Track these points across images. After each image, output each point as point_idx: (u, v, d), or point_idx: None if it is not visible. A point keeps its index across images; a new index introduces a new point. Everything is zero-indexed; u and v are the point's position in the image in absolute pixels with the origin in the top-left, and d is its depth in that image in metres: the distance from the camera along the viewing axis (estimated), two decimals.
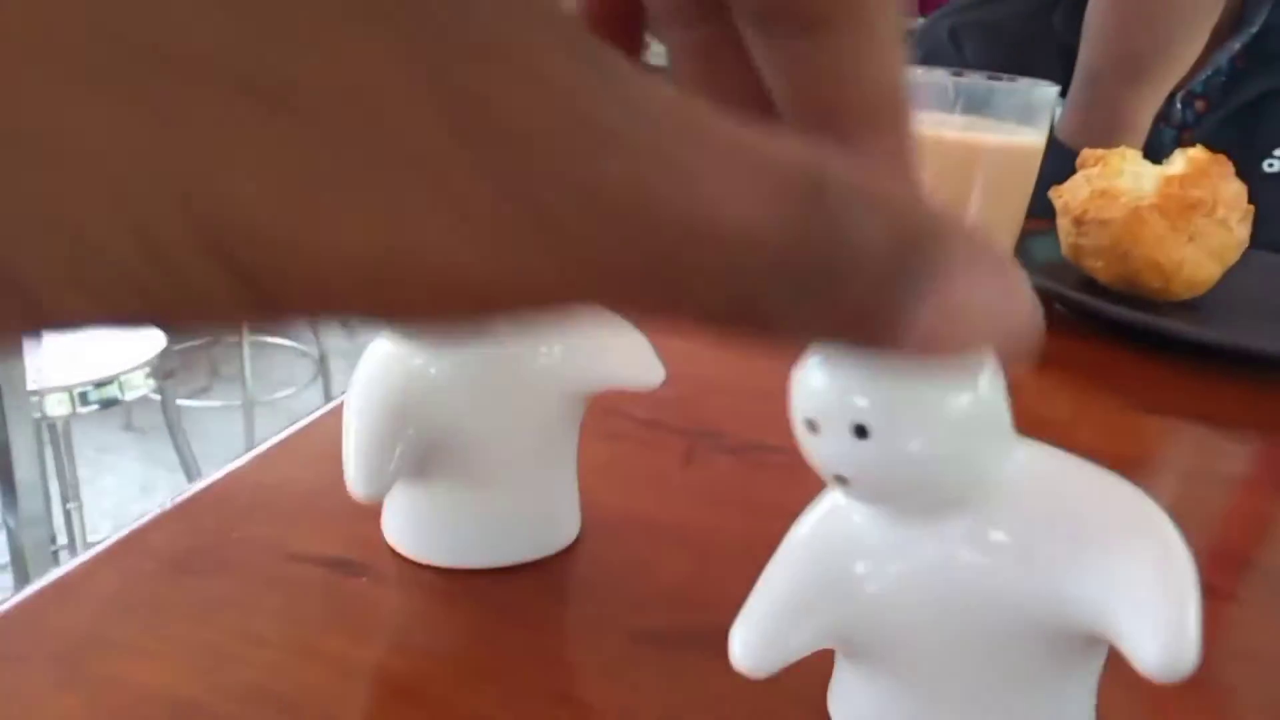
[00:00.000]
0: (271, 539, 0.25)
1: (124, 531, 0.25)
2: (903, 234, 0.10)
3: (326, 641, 0.22)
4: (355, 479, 0.23)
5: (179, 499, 0.27)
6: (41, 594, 0.23)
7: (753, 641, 0.18)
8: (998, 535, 0.17)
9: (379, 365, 0.24)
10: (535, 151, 0.08)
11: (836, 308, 0.10)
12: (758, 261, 0.09)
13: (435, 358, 0.23)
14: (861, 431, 0.15)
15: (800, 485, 0.31)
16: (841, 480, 0.16)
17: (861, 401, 0.15)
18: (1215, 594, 0.27)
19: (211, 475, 0.28)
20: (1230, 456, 0.39)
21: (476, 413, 0.24)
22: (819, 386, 0.16)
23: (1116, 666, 0.18)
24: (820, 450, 0.16)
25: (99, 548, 0.25)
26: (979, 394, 0.16)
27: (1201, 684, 0.23)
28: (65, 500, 1.28)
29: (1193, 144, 0.51)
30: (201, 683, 0.20)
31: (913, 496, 0.17)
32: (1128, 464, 0.36)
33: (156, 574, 0.24)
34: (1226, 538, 0.32)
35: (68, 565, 0.24)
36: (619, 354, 0.26)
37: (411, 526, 0.25)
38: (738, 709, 0.21)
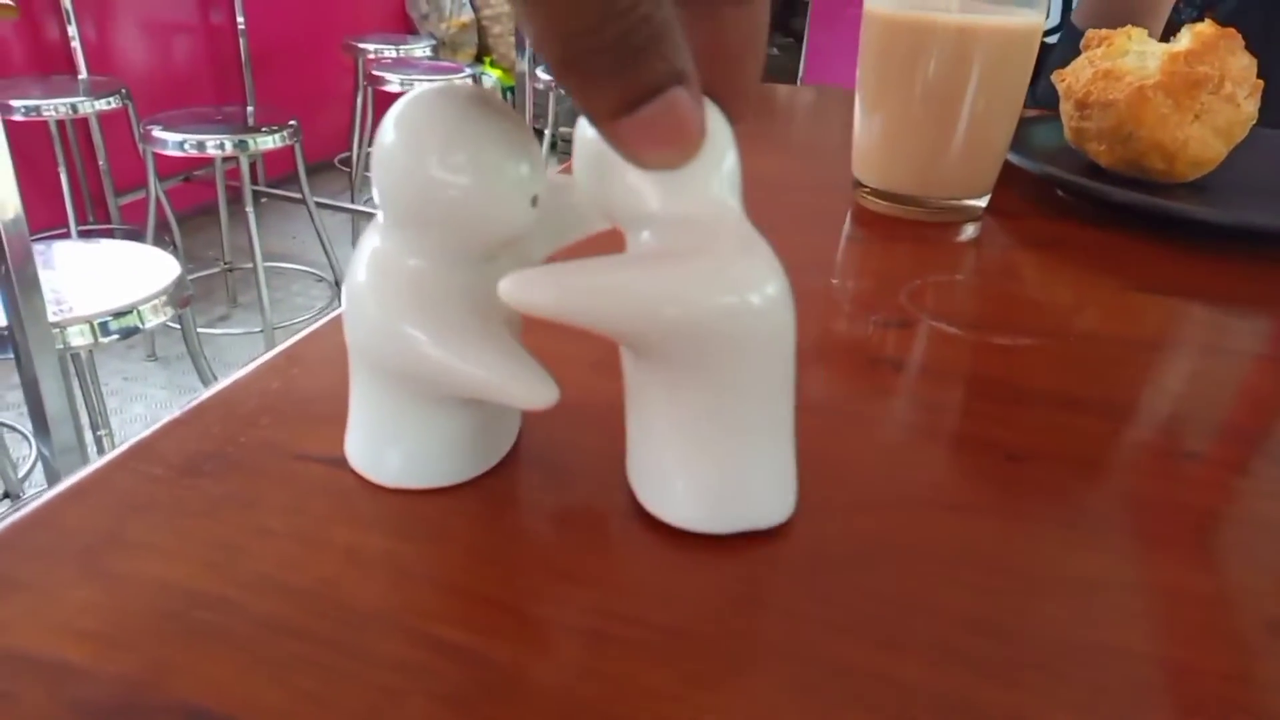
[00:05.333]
0: (277, 442, 0.26)
1: (133, 440, 0.26)
2: (672, 60, 0.17)
3: (334, 532, 0.23)
4: (534, 384, 0.21)
5: (186, 408, 0.28)
6: (60, 497, 0.24)
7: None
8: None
9: (416, 281, 0.22)
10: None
11: (620, 78, 0.17)
12: (560, 32, 0.16)
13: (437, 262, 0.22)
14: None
15: None
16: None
17: None
18: (1224, 466, 0.28)
19: (216, 385, 0.29)
20: (1238, 334, 0.39)
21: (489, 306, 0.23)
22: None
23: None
24: None
25: (110, 455, 0.25)
26: None
27: (1207, 549, 0.24)
28: (95, 429, 1.31)
29: None
30: (215, 575, 0.21)
31: None
32: (1135, 345, 0.36)
33: (167, 477, 0.24)
34: (1234, 414, 0.32)
35: (81, 472, 0.25)
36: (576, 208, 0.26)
37: (423, 453, 0.24)
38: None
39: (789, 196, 0.52)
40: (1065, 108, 0.52)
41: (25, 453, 1.59)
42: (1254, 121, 0.49)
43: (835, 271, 0.42)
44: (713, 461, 0.22)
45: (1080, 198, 0.51)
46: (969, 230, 0.48)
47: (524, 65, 2.38)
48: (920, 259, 0.43)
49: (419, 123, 0.20)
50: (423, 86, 0.20)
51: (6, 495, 1.34)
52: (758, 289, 0.20)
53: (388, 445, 0.24)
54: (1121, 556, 0.23)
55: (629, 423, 0.24)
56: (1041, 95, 0.61)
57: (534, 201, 0.21)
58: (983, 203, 0.49)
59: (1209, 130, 0.48)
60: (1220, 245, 0.46)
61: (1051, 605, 0.21)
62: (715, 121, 0.21)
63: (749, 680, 0.19)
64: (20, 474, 1.47)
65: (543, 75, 2.49)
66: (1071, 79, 0.51)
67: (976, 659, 0.20)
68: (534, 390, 0.21)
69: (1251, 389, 0.34)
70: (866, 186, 0.49)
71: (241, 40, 2.63)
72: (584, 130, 0.21)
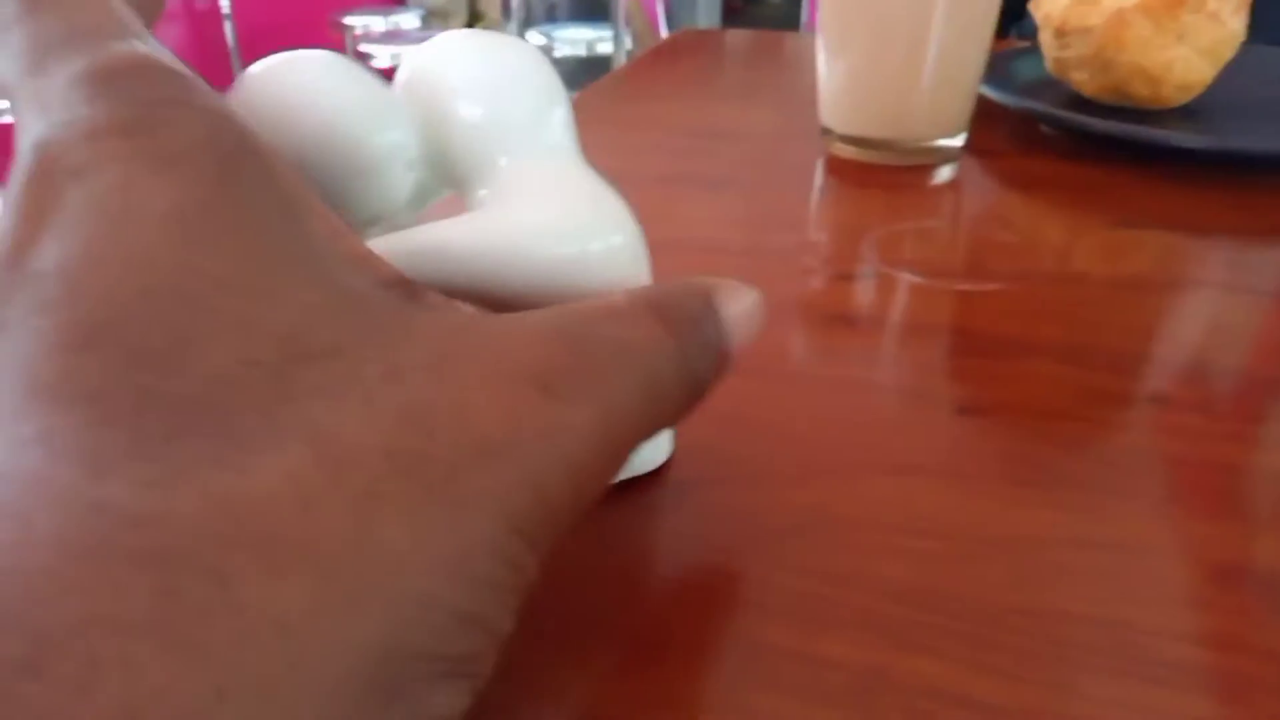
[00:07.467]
0: None
1: None
2: (709, 301, 0.17)
3: None
4: None
5: None
6: None
7: None
8: None
9: None
10: None
11: (717, 355, 0.17)
12: (667, 353, 0.16)
13: None
14: None
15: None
16: None
17: None
18: (1192, 410, 0.26)
19: None
20: (1236, 267, 0.37)
21: None
22: None
23: None
24: None
25: None
26: None
27: (1163, 499, 0.22)
28: None
29: None
30: None
31: None
32: (1128, 282, 0.34)
33: None
34: (1218, 355, 0.30)
35: None
36: None
37: None
38: None
39: (754, 147, 0.50)
40: (1044, 37, 0.50)
41: None
42: (1242, 39, 0.46)
43: (801, 225, 0.40)
44: None
45: (1063, 131, 0.49)
46: (945, 173, 0.45)
47: (513, 30, 2.35)
48: (892, 206, 0.41)
49: (253, 105, 0.18)
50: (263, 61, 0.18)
51: None
52: (606, 236, 0.19)
53: None
54: (1068, 511, 0.22)
55: None
56: (1028, 28, 0.58)
57: (410, 166, 0.19)
58: (958, 142, 0.47)
59: (1193, 51, 0.45)
60: (1212, 173, 0.43)
61: (985, 568, 0.20)
62: (541, 63, 0.20)
63: (656, 669, 0.18)
64: None
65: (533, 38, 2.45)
66: (1049, 6, 0.49)
67: (898, 629, 0.18)
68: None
69: (1239, 327, 0.32)
70: (835, 133, 0.47)
71: (227, 24, 2.60)
72: (414, 74, 0.19)
